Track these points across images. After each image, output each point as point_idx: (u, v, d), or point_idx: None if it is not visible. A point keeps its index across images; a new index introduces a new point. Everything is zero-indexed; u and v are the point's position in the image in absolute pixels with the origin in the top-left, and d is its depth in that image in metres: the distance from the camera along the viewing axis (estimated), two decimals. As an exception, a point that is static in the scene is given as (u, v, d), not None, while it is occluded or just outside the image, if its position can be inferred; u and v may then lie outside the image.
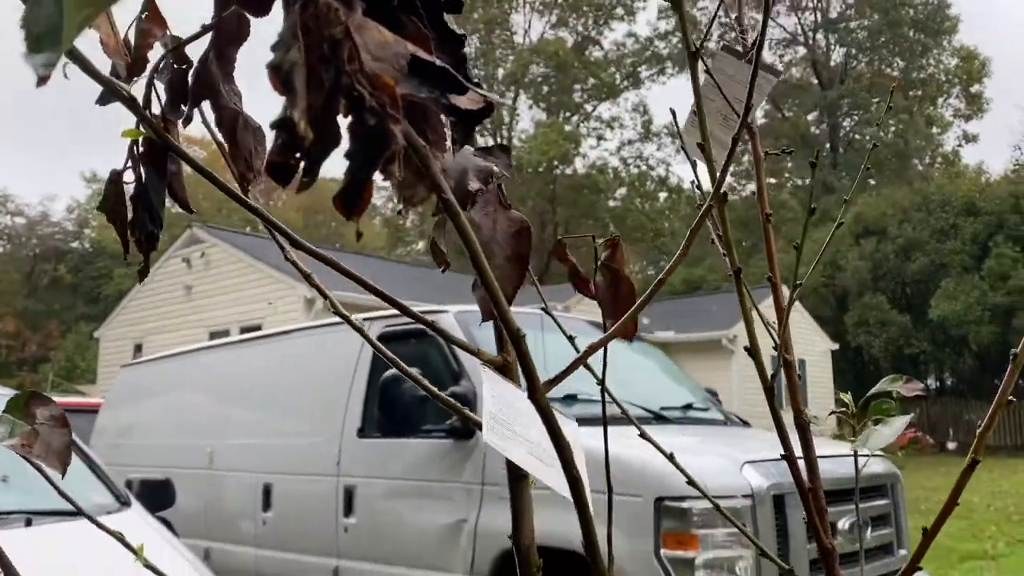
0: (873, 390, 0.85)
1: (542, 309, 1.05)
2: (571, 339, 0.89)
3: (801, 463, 0.72)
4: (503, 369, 0.63)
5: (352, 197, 0.42)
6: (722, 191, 0.66)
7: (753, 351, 0.67)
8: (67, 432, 0.66)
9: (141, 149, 0.58)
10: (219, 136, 0.57)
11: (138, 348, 17.49)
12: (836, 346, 21.60)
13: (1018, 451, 21.85)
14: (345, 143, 0.40)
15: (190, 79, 0.55)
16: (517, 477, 0.66)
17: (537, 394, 0.48)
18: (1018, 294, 21.81)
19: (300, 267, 0.68)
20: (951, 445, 22.95)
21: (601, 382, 0.94)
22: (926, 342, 23.26)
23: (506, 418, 0.67)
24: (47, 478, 0.76)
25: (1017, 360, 0.66)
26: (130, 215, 0.60)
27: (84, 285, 39.51)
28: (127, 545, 0.84)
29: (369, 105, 0.38)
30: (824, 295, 25.41)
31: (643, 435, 0.97)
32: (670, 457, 0.94)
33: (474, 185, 0.54)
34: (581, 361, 0.58)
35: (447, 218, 0.48)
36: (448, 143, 0.47)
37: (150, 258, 0.62)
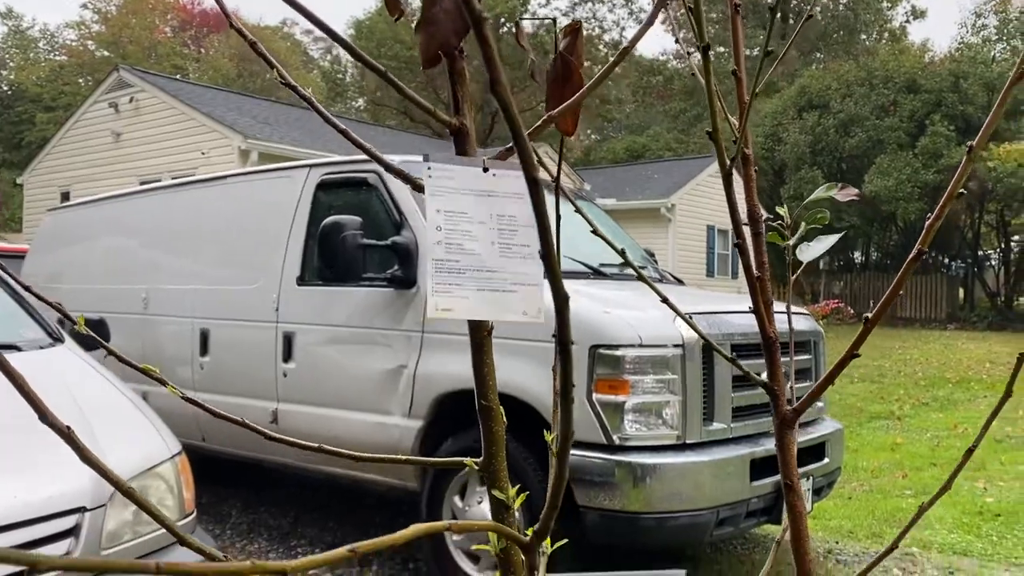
0: (809, 199, 0.86)
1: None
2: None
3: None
4: (459, 134, 0.61)
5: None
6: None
7: (715, 136, 0.66)
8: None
9: None
10: None
11: (65, 196, 16.85)
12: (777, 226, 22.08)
13: (930, 323, 23.05)
14: None
15: None
16: (478, 343, 0.65)
17: (499, 86, 0.45)
18: (948, 172, 22.37)
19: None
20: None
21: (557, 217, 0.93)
22: (856, 217, 23.87)
23: (453, 236, 0.65)
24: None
25: (916, 250, 0.67)
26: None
27: (4, 130, 37.54)
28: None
29: None
30: (763, 168, 25.68)
31: (664, 300, 0.99)
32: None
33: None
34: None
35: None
36: None
37: None
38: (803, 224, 0.84)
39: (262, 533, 4.91)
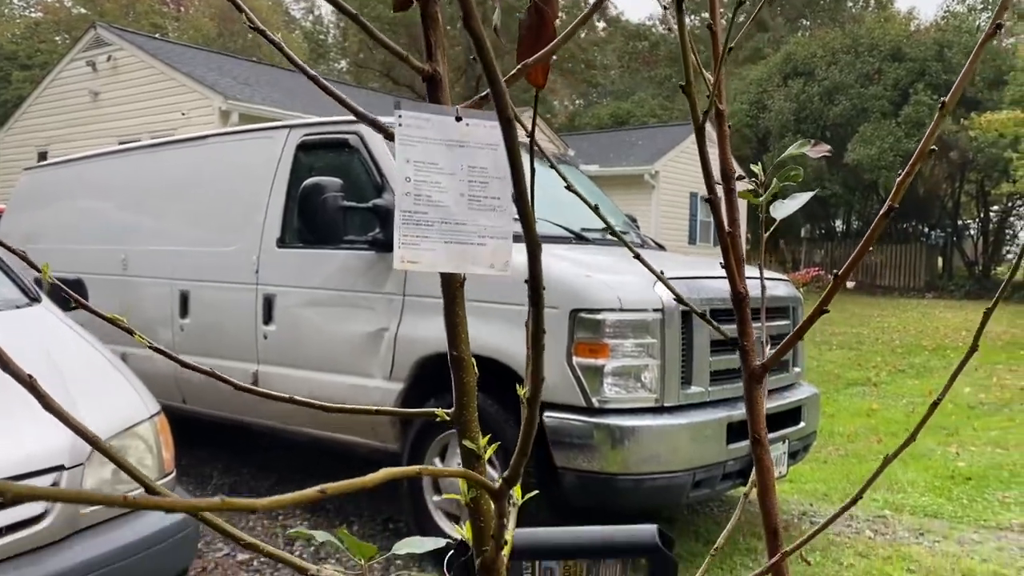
0: (782, 156, 0.86)
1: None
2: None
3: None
4: (431, 81, 0.60)
5: None
6: None
7: (688, 91, 0.66)
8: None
9: None
10: None
11: (42, 156, 16.58)
12: (752, 186, 22.15)
13: (908, 292, 23.28)
14: None
15: None
16: (451, 296, 0.65)
17: (472, 20, 0.45)
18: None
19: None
20: (850, 284, 24.25)
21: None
22: (838, 185, 23.98)
23: (422, 187, 0.65)
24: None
25: (887, 206, 0.68)
26: None
27: (-22, 88, 36.76)
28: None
29: None
30: (747, 135, 25.68)
31: (637, 256, 0.99)
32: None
33: None
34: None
35: None
36: None
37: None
38: (775, 181, 0.84)
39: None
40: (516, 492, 0.79)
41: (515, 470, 0.51)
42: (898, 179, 0.70)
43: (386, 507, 4.70)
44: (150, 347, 0.66)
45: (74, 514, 2.34)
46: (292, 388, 4.56)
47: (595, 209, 0.91)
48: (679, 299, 1.01)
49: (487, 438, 0.64)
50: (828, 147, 0.87)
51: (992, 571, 3.90)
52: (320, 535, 0.80)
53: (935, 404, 0.70)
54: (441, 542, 0.82)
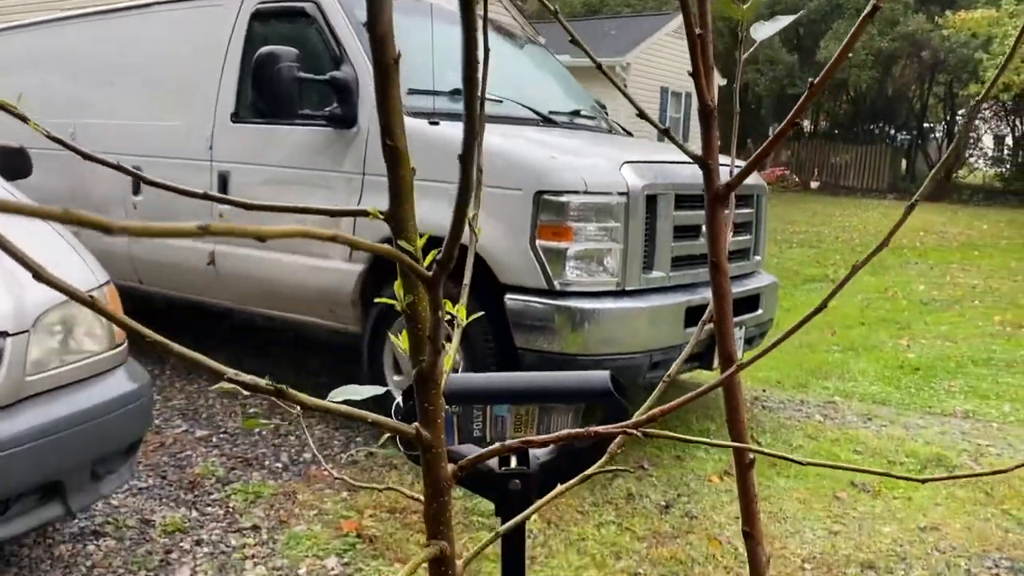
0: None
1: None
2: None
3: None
4: None
5: None
6: None
7: None
8: None
9: None
10: None
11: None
12: (724, 81, 21.84)
13: (870, 192, 23.49)
14: None
15: None
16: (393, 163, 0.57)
17: None
18: (903, 40, 22.23)
19: None
20: (814, 184, 24.40)
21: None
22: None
23: None
24: None
25: (811, 90, 0.61)
26: None
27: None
28: None
29: None
30: (720, 29, 25.15)
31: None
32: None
33: None
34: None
35: None
36: None
37: None
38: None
39: (202, 374, 4.91)
40: (460, 313, 0.75)
41: (448, 252, 0.46)
42: (835, 54, 0.63)
43: (345, 382, 4.70)
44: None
45: (18, 381, 2.29)
46: (250, 268, 4.48)
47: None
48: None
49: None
50: None
51: (935, 452, 4.04)
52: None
53: (856, 268, 0.66)
54: (380, 389, 0.78)
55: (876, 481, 3.70)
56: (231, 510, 3.20)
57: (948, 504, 3.48)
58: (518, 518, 0.77)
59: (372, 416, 0.55)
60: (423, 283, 0.50)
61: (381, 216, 0.53)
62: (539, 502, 0.77)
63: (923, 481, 0.70)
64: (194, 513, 3.17)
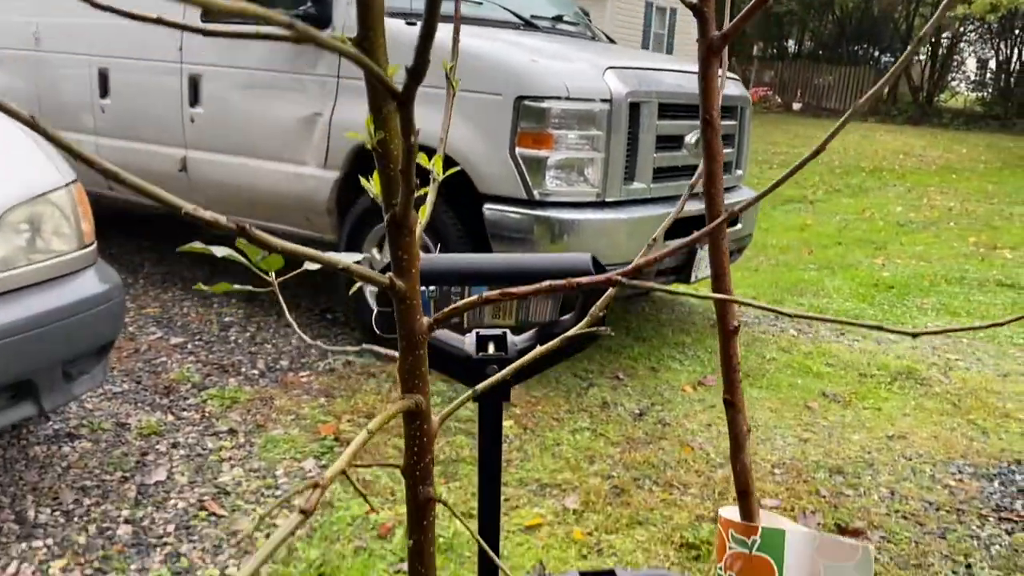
0: None
1: None
2: None
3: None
4: None
5: None
6: None
7: None
8: None
9: None
10: None
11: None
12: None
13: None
14: None
15: None
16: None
17: None
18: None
19: None
20: (796, 106, 24.20)
21: None
22: (794, 2, 23.37)
23: None
24: None
25: None
26: None
27: None
28: None
29: None
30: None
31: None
32: None
33: None
34: None
35: None
36: None
37: None
38: None
39: (176, 283, 4.85)
40: (437, 167, 0.72)
41: (419, 60, 0.42)
42: None
43: (324, 299, 4.68)
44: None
45: (-16, 277, 2.23)
46: (222, 175, 4.38)
47: None
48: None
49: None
50: None
51: (905, 366, 4.11)
52: (219, 250, 0.72)
53: (792, 170, 0.63)
54: (359, 256, 0.75)
55: (847, 391, 3.76)
56: (207, 415, 3.20)
57: (916, 414, 3.56)
58: (497, 376, 0.75)
59: (344, 262, 0.52)
60: (393, 99, 0.46)
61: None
62: (518, 362, 0.75)
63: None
64: (170, 417, 3.17)
